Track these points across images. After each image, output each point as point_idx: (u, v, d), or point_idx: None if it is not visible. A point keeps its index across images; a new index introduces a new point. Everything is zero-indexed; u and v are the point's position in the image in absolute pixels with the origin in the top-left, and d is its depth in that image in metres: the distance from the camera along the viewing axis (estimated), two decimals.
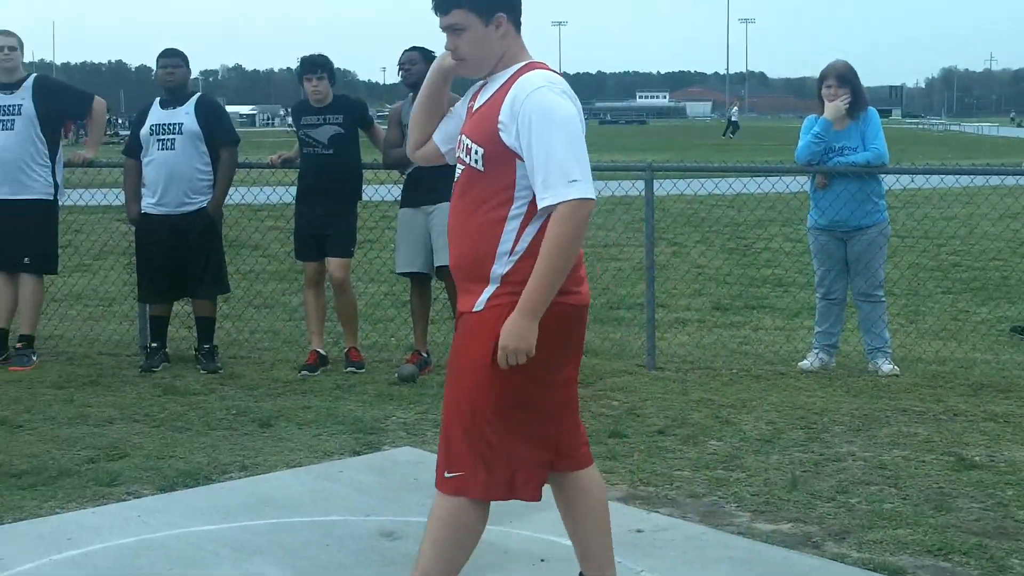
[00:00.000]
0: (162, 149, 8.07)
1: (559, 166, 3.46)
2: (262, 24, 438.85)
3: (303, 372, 8.00)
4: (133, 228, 8.41)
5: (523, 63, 3.70)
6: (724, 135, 69.59)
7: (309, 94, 8.19)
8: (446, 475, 3.70)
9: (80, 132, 29.08)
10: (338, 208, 8.16)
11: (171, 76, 8.23)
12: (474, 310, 3.63)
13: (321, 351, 8.21)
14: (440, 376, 7.86)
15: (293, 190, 8.55)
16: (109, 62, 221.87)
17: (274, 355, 8.64)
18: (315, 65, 8.16)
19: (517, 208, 3.59)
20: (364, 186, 8.48)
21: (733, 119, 75.87)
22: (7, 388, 7.56)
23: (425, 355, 8.07)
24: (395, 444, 6.32)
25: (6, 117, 8.22)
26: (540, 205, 3.49)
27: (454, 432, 3.70)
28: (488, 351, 3.56)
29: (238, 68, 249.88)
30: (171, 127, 8.08)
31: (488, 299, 3.61)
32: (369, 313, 9.79)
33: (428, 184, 7.75)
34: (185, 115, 8.10)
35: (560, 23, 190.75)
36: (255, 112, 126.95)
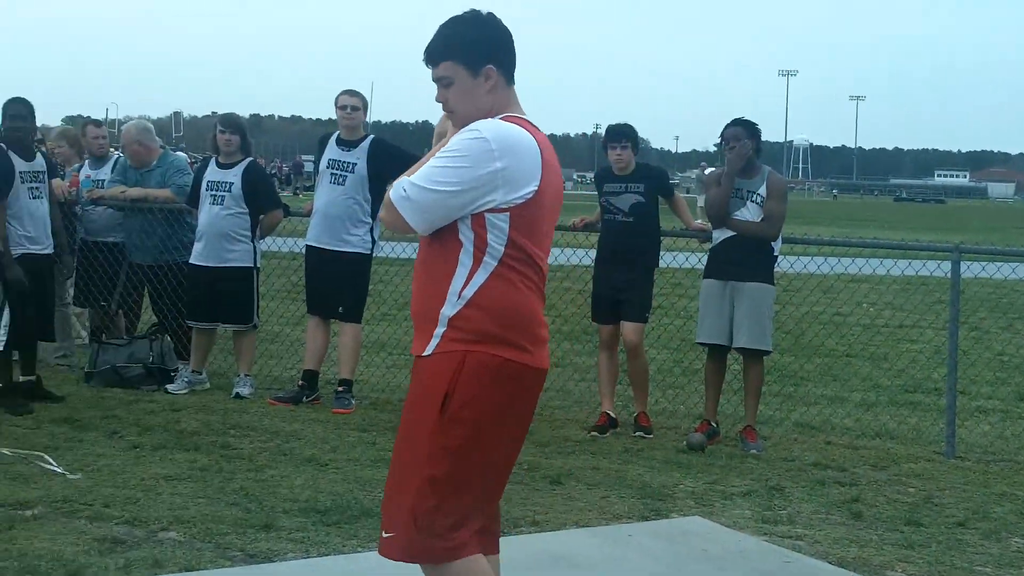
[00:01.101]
0: None
1: (413, 174, 3.50)
2: (558, 91, 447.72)
3: (593, 433, 8.12)
4: None
5: (500, 117, 3.62)
6: None
7: (612, 162, 8.36)
8: (383, 535, 3.61)
9: None
10: (636, 274, 8.27)
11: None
12: (424, 354, 3.58)
13: (611, 413, 8.31)
14: (729, 447, 7.85)
15: (591, 252, 8.71)
16: (416, 122, 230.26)
17: (564, 414, 8.80)
18: (620, 135, 8.32)
19: (465, 254, 3.51)
20: (661, 253, 8.57)
21: None
22: (316, 427, 7.95)
23: (715, 424, 8.07)
24: (683, 512, 6.33)
25: (340, 172, 8.69)
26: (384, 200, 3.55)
27: (392, 488, 3.65)
28: (436, 406, 3.49)
29: None
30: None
31: (437, 343, 3.54)
32: (659, 379, 9.84)
33: (736, 257, 7.81)
34: None
35: (858, 98, 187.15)
36: None
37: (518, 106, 3.70)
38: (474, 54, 3.60)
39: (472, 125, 3.52)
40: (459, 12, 3.67)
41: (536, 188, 3.51)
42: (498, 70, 3.62)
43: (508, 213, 3.48)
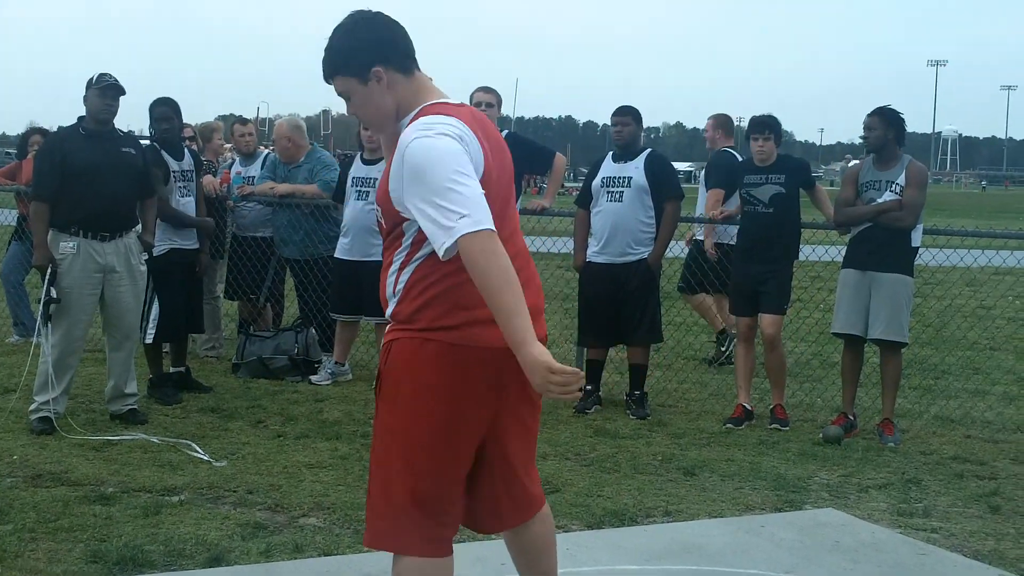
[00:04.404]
0: (611, 200, 8.46)
1: (436, 220, 3.24)
2: (702, 82, 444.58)
3: (728, 424, 8.14)
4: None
5: (417, 109, 3.51)
6: None
7: (754, 154, 8.35)
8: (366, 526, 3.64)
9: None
10: (775, 266, 8.25)
11: (619, 133, 8.63)
12: (384, 342, 3.58)
13: (747, 405, 8.32)
14: (866, 440, 7.79)
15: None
16: (559, 117, 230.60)
17: (700, 405, 8.82)
18: (763, 126, 8.32)
19: (400, 253, 3.52)
20: (801, 245, 8.54)
21: None
22: None
23: (852, 417, 8.01)
24: (817, 504, 6.33)
25: None
26: (441, 256, 3.27)
27: (371, 477, 3.65)
28: (395, 391, 3.51)
29: (679, 126, 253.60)
30: (621, 180, 8.46)
31: (388, 331, 3.57)
32: (797, 371, 9.80)
33: (875, 247, 7.76)
34: (635, 169, 8.45)
35: (1010, 87, 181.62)
36: (692, 169, 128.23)
37: (431, 91, 3.61)
38: (356, 62, 3.53)
39: (405, 138, 3.39)
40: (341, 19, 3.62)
41: (483, 167, 3.44)
42: (386, 67, 3.53)
43: None
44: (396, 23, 3.61)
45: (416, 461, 3.51)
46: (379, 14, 3.60)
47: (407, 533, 3.54)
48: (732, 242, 9.16)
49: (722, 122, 10.66)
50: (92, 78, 7.57)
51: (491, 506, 3.75)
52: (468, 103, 8.94)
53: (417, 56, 3.62)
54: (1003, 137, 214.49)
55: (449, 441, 3.52)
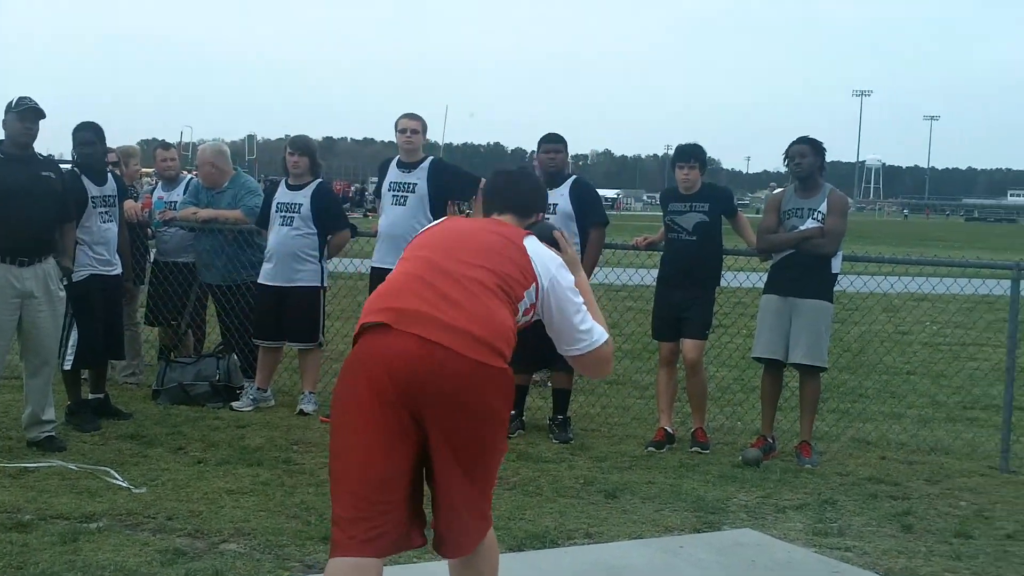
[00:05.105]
0: None
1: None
2: (630, 110, 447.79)
3: (650, 448, 8.21)
4: None
5: None
6: None
7: (679, 182, 8.45)
8: None
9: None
10: (698, 292, 8.34)
11: (552, 160, 8.70)
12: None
13: (669, 429, 8.39)
14: (784, 462, 7.91)
15: (654, 272, 8.80)
16: (488, 144, 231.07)
17: (623, 429, 8.89)
18: (688, 154, 8.42)
19: None
20: (723, 271, 8.65)
21: None
22: None
23: (771, 440, 8.12)
24: (735, 525, 6.40)
25: (401, 194, 8.90)
26: None
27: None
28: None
29: (607, 153, 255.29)
30: (548, 207, 8.51)
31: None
32: (718, 396, 9.91)
33: (796, 274, 7.90)
34: (560, 196, 8.49)
35: (932, 117, 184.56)
36: (618, 195, 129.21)
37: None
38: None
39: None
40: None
41: None
42: None
43: None
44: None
45: (339, 466, 3.75)
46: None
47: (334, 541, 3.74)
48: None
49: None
50: (11, 101, 7.50)
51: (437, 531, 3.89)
52: (394, 129, 9.09)
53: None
54: (925, 166, 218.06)
55: (357, 448, 3.68)
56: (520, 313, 3.86)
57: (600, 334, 4.01)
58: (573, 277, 4.06)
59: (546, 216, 4.31)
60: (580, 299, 4.02)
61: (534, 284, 3.90)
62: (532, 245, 4.00)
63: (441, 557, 4.05)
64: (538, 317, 3.98)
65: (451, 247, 3.92)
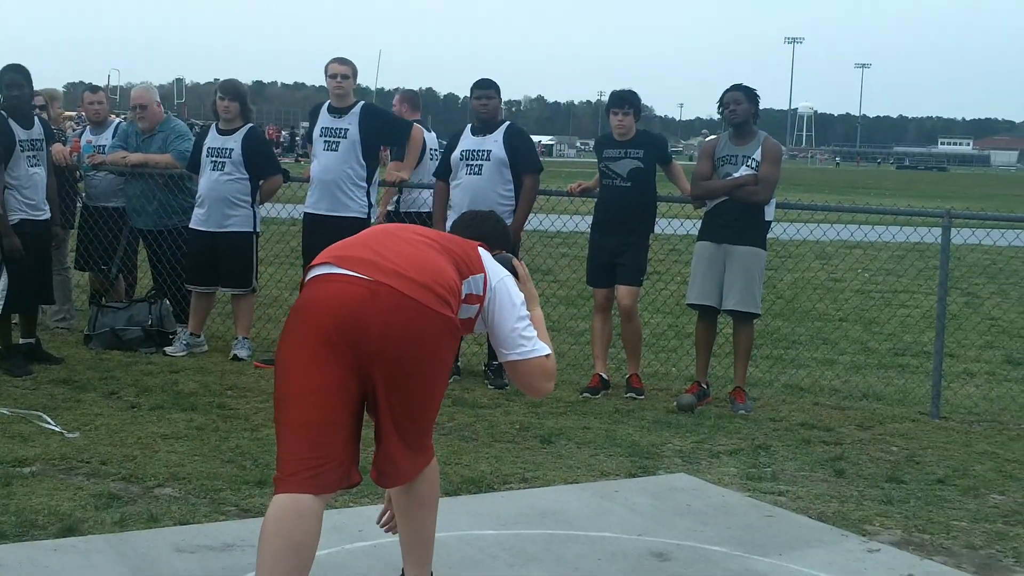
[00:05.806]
0: (470, 173, 8.48)
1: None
2: (563, 56, 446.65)
3: (585, 394, 8.25)
4: None
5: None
6: None
7: (614, 128, 8.44)
8: None
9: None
10: (632, 239, 8.37)
11: (485, 107, 8.65)
12: None
13: (604, 375, 8.44)
14: (718, 408, 7.98)
15: (588, 219, 8.80)
16: (420, 88, 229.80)
17: (558, 376, 8.86)
18: (623, 100, 8.41)
19: None
20: (657, 218, 8.67)
21: None
22: None
23: (705, 386, 8.18)
24: (670, 470, 6.46)
25: (333, 139, 8.81)
26: None
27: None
28: None
29: (540, 99, 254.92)
30: (481, 153, 8.49)
31: None
32: (653, 342, 9.96)
33: (730, 221, 7.92)
34: (494, 142, 8.48)
35: (864, 65, 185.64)
36: (552, 143, 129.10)
37: None
38: None
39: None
40: None
41: None
42: None
43: None
44: None
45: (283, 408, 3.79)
46: None
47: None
48: None
49: (408, 97, 10.69)
50: None
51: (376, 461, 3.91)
52: (324, 74, 8.99)
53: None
54: (857, 114, 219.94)
55: (300, 390, 3.71)
56: (463, 296, 3.84)
57: (543, 347, 4.02)
58: (522, 295, 4.07)
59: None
60: (527, 312, 4.03)
61: (482, 275, 3.91)
62: (485, 252, 4.03)
63: (381, 487, 4.15)
64: (482, 324, 3.98)
65: (388, 238, 3.96)
